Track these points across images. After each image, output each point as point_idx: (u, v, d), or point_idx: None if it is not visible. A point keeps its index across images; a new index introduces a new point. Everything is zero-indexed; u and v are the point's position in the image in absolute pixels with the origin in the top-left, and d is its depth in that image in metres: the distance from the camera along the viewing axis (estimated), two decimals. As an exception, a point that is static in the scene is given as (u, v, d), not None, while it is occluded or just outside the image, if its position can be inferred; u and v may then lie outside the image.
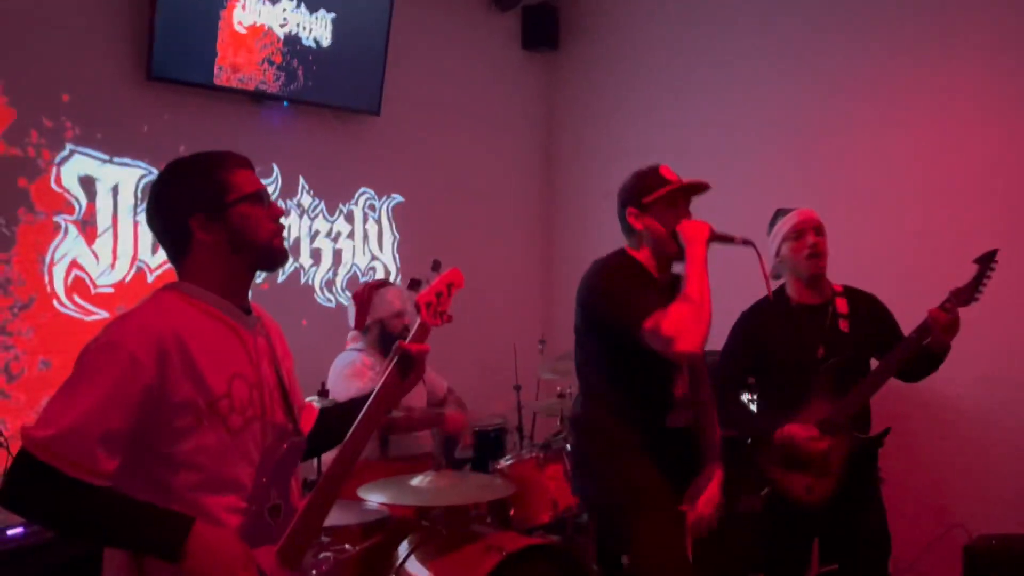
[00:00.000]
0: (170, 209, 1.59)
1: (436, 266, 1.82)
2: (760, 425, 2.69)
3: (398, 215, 4.78)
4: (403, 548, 2.82)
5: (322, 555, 2.05)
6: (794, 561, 2.73)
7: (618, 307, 2.08)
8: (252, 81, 4.02)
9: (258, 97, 4.11)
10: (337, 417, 1.83)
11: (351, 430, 1.64)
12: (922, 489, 4.00)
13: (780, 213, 2.80)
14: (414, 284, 1.81)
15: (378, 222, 4.69)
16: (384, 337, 3.41)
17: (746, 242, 2.13)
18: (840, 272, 2.91)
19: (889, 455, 4.05)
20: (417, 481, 2.86)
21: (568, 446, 2.76)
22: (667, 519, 2.19)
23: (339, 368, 3.36)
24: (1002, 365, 3.76)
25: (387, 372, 1.68)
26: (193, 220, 1.56)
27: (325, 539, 2.63)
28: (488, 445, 4.51)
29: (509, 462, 3.25)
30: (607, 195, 2.36)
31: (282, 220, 1.67)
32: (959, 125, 3.93)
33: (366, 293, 3.51)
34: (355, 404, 1.82)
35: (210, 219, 1.57)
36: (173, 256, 1.63)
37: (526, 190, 5.55)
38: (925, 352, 2.60)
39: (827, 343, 2.66)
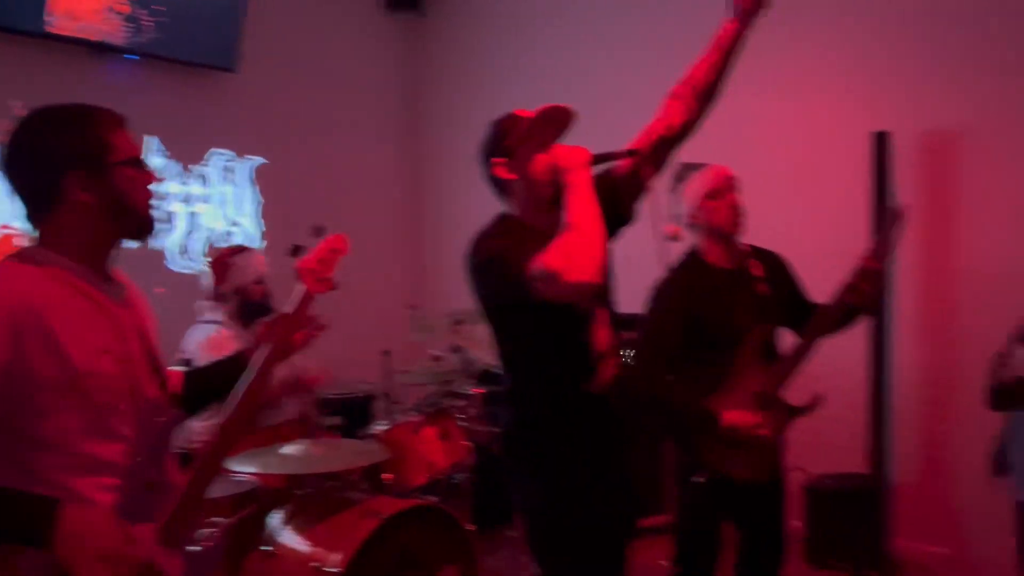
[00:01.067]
0: (42, 162, 1.45)
1: (319, 232, 1.76)
2: (700, 407, 2.40)
3: (261, 178, 4.60)
4: (276, 518, 2.77)
5: (204, 531, 1.96)
6: (713, 543, 2.53)
7: (500, 269, 1.81)
8: (93, 31, 3.72)
9: (100, 49, 3.82)
10: (203, 382, 1.78)
11: (235, 403, 1.58)
12: (766, 436, 4.30)
13: (688, 168, 2.54)
14: (297, 250, 1.74)
15: (237, 184, 4.49)
16: (244, 306, 3.26)
17: (631, 152, 1.92)
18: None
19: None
20: (288, 450, 2.79)
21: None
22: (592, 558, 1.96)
23: (198, 340, 3.19)
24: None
25: (272, 343, 1.63)
26: (69, 177, 1.44)
27: (195, 514, 2.54)
28: (356, 412, 4.47)
29: (383, 427, 3.23)
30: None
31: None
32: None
33: (224, 259, 3.35)
34: (221, 368, 1.77)
35: (90, 178, 1.45)
36: (33, 214, 1.49)
37: (393, 153, 5.49)
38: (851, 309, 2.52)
39: (751, 308, 2.46)
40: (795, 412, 2.52)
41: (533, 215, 1.95)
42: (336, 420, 4.50)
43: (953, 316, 3.85)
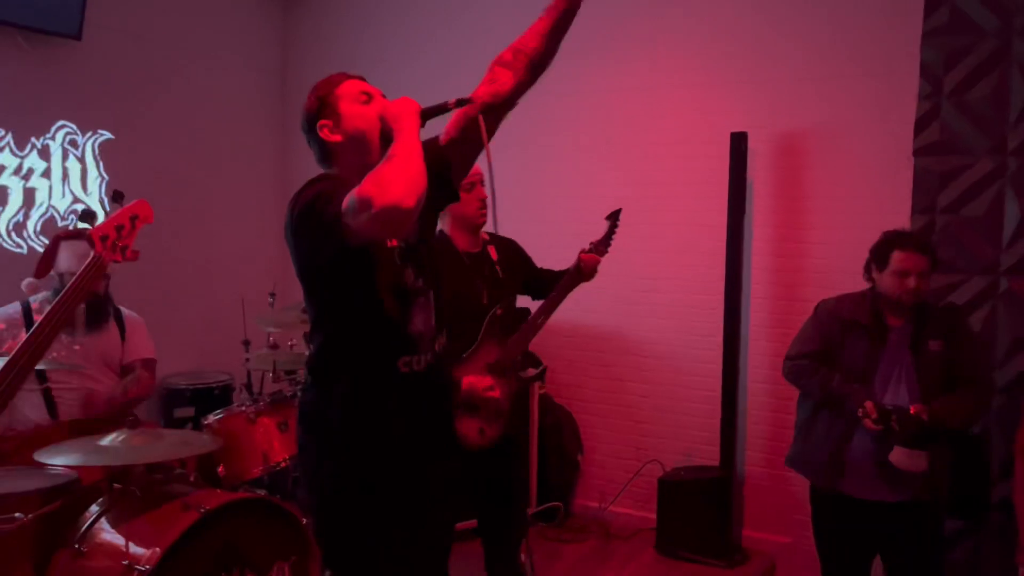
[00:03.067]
0: None
1: (117, 197, 1.66)
2: None
3: (106, 153, 4.33)
4: (92, 512, 2.59)
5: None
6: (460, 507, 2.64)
7: (314, 213, 1.65)
8: (-87, -13, 3.42)
9: (-77, 7, 3.52)
10: None
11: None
12: (623, 431, 4.36)
13: None
14: (87, 216, 1.62)
15: (81, 160, 4.21)
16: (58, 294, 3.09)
17: (460, 101, 1.84)
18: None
19: (595, 399, 4.41)
20: (108, 441, 2.62)
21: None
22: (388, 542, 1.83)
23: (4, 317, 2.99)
24: (691, 317, 4.15)
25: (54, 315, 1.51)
26: None
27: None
28: (211, 402, 4.29)
29: (218, 417, 3.08)
30: None
31: None
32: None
33: (55, 241, 3.14)
34: None
35: None
36: None
37: (258, 132, 5.25)
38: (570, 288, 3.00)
39: (490, 289, 2.77)
40: (524, 381, 2.96)
41: (359, 175, 1.68)
42: (188, 411, 4.32)
43: (804, 312, 3.94)
